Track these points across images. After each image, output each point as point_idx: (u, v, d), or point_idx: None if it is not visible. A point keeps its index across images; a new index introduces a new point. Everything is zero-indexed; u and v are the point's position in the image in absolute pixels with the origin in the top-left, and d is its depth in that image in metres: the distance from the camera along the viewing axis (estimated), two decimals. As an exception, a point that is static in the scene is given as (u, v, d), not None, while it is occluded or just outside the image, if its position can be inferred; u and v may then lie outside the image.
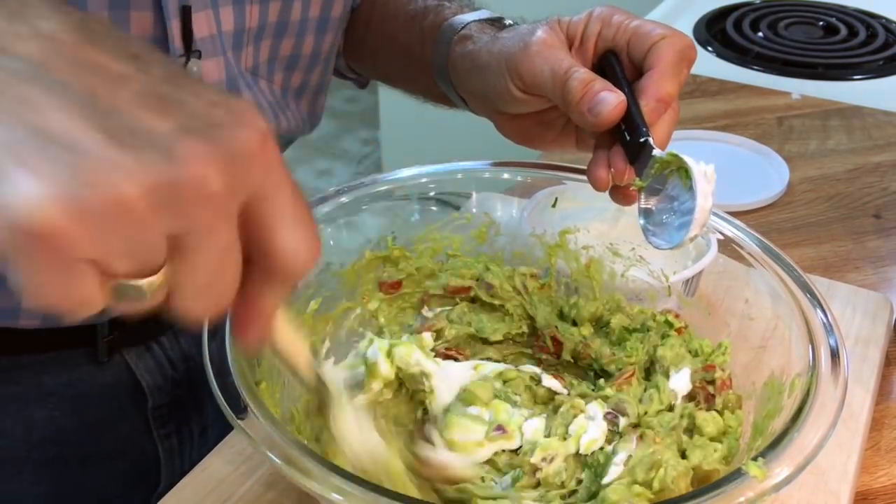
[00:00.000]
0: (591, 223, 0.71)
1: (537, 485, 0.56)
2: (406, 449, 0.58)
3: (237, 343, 0.50)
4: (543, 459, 0.56)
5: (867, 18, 1.42)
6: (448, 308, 0.69)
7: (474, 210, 0.72)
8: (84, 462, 0.76)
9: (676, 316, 0.66)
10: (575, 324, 0.68)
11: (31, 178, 0.30)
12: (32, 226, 0.30)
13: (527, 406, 0.62)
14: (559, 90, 0.58)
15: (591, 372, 0.67)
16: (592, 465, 0.56)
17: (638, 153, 0.57)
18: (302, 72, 0.78)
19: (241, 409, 0.49)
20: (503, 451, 0.58)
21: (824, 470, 0.61)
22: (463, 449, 0.57)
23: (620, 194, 0.60)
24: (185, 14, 0.63)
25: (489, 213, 0.72)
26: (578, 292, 0.69)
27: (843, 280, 0.81)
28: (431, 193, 0.71)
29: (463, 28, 0.71)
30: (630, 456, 0.55)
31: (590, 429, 0.57)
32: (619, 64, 0.61)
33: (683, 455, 0.55)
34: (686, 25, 1.39)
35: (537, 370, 0.65)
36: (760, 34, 1.37)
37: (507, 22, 0.71)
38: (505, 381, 0.63)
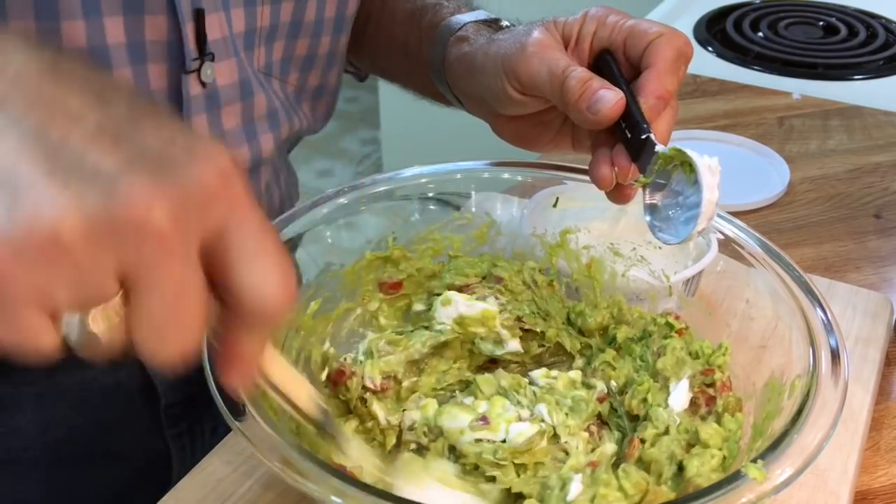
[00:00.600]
0: (591, 223, 0.71)
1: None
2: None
3: (223, 386, 0.49)
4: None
5: (867, 18, 1.42)
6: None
7: (474, 210, 0.72)
8: (96, 461, 0.76)
9: (677, 318, 0.66)
10: (581, 333, 0.68)
11: None
12: None
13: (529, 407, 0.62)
14: (557, 90, 0.58)
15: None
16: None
17: (640, 150, 0.57)
18: (319, 72, 0.78)
19: (239, 412, 0.48)
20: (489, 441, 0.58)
21: (824, 470, 0.61)
22: (449, 436, 0.59)
23: (617, 193, 0.60)
24: (199, 17, 0.63)
25: (489, 213, 0.72)
26: (579, 292, 0.69)
27: (843, 280, 0.81)
28: (431, 193, 0.71)
29: (460, 29, 0.70)
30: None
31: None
32: (615, 63, 0.61)
33: (680, 467, 0.55)
34: (686, 25, 1.39)
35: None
36: (760, 34, 1.37)
37: (504, 23, 0.71)
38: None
